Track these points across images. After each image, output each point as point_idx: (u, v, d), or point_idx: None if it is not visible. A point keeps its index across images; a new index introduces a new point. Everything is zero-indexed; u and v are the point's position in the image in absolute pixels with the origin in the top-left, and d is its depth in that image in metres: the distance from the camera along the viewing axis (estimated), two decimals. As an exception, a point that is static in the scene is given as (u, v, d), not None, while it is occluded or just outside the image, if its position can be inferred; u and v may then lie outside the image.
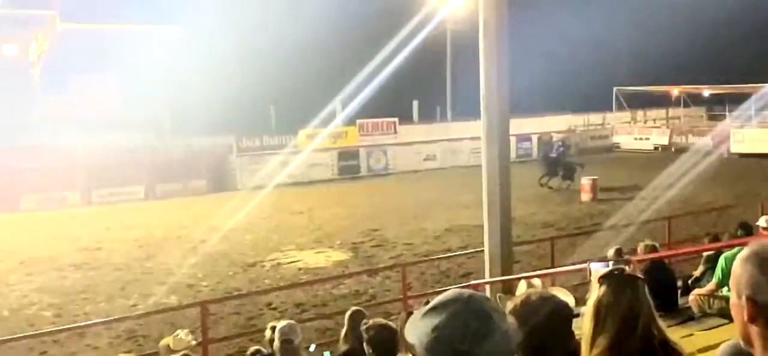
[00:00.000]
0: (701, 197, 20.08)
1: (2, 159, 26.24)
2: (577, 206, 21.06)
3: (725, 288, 6.89)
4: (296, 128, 31.66)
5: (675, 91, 44.57)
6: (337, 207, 23.12)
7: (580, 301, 2.74)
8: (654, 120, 44.41)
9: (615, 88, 43.66)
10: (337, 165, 32.21)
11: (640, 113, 44.26)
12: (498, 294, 6.18)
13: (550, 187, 24.10)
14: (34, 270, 15.66)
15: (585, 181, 22.37)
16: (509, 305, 2.58)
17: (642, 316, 2.25)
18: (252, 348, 6.70)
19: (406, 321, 1.65)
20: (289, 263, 15.58)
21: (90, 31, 27.59)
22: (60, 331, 10.46)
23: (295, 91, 35.24)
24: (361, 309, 7.06)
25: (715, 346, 2.25)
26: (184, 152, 30.20)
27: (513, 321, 1.64)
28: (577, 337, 2.49)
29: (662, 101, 45.30)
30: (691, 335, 6.95)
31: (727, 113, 39.46)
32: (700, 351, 5.36)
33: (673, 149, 34.99)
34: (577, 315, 2.62)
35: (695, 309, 7.97)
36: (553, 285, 5.63)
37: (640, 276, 2.40)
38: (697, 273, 9.18)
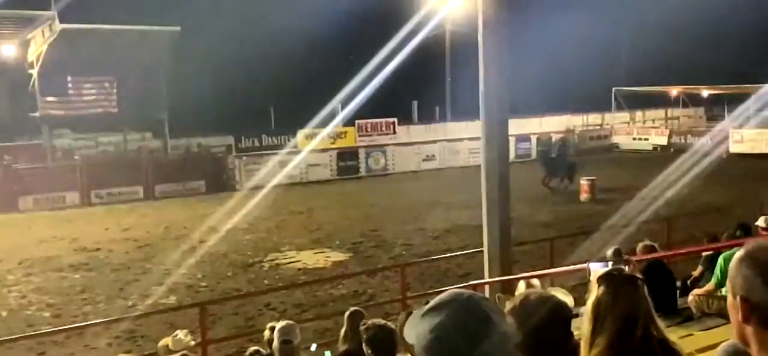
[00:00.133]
0: (700, 197, 20.08)
1: (1, 159, 26.25)
2: (576, 206, 21.08)
3: (724, 289, 6.89)
4: (295, 128, 31.67)
5: (674, 91, 44.59)
6: (336, 207, 23.12)
7: (579, 301, 2.74)
8: (653, 120, 44.43)
9: (614, 89, 43.70)
10: (336, 165, 32.23)
11: (639, 113, 44.30)
12: (497, 295, 6.18)
13: (551, 187, 24.12)
14: (32, 270, 15.66)
15: (584, 182, 22.40)
16: (508, 305, 2.58)
17: (641, 316, 2.25)
18: (251, 349, 6.69)
19: (405, 321, 1.65)
20: (288, 263, 15.58)
21: (89, 31, 27.54)
22: (59, 332, 10.44)
23: (294, 92, 35.28)
24: (361, 309, 7.05)
25: (714, 346, 2.25)
26: (183, 152, 30.22)
27: (512, 322, 1.64)
28: (576, 337, 2.49)
29: (661, 101, 45.33)
30: (690, 335, 6.96)
31: (725, 113, 39.48)
32: (699, 351, 5.36)
33: (672, 149, 35.01)
34: (576, 316, 2.62)
35: (694, 310, 7.98)
36: (552, 285, 5.63)
37: (639, 276, 2.40)
38: (696, 273, 9.19)
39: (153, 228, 20.46)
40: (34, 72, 27.76)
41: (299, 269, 15.06)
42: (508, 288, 7.43)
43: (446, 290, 1.69)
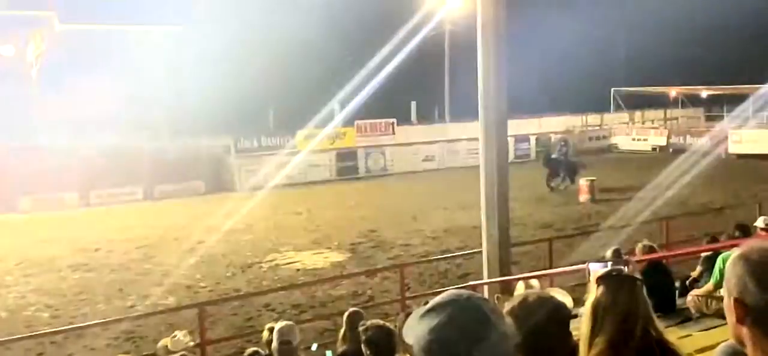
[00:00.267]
0: (699, 198, 20.10)
1: (0, 160, 26.21)
2: (575, 207, 21.07)
3: (723, 289, 6.90)
4: (294, 129, 31.66)
5: (673, 91, 44.61)
6: (335, 208, 23.11)
7: (579, 302, 2.74)
8: (652, 121, 44.42)
9: (613, 89, 43.71)
10: (335, 166, 32.21)
11: (637, 114, 44.29)
12: (496, 295, 6.17)
13: (552, 187, 24.12)
14: (31, 271, 15.64)
15: (583, 182, 22.42)
16: (507, 306, 2.58)
17: (640, 317, 2.25)
18: (250, 350, 6.69)
19: (404, 322, 1.64)
20: (287, 264, 15.58)
21: (88, 31, 27.56)
22: (57, 332, 10.44)
23: (293, 92, 35.26)
24: (359, 310, 7.06)
25: (713, 347, 2.25)
26: (183, 153, 30.16)
27: (511, 323, 1.64)
28: (575, 338, 2.49)
29: (660, 102, 45.33)
30: (689, 335, 6.97)
31: (724, 114, 39.50)
32: (698, 351, 5.37)
33: (671, 150, 35.00)
34: (575, 316, 2.62)
35: (693, 310, 7.99)
36: (551, 286, 5.63)
37: (638, 276, 2.40)
38: (695, 273, 9.19)
39: (152, 228, 20.44)
40: (34, 72, 27.75)
41: (298, 270, 15.05)
42: (507, 288, 7.42)
43: (445, 291, 1.69)
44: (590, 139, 39.81)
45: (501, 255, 8.79)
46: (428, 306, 1.61)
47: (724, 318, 1.71)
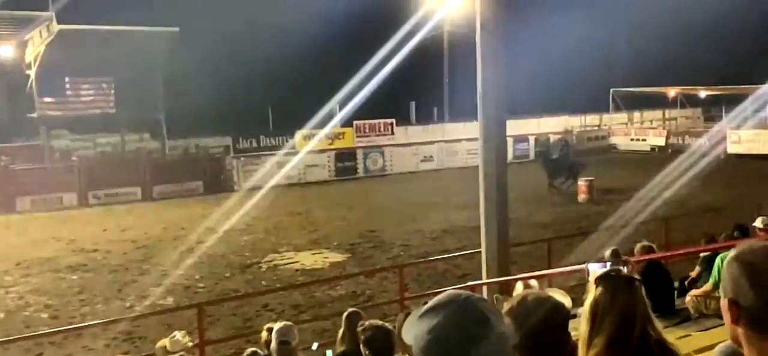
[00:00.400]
0: (698, 198, 20.10)
1: (-1, 160, 26.22)
2: (574, 207, 21.09)
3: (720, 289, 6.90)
4: (293, 129, 31.67)
5: (672, 92, 44.62)
6: (334, 208, 23.12)
7: (577, 302, 2.74)
8: (651, 121, 44.46)
9: (612, 90, 43.72)
10: (334, 166, 32.23)
11: (636, 114, 44.34)
12: (495, 296, 6.17)
13: (556, 187, 24.12)
14: (30, 271, 15.64)
15: (582, 182, 22.46)
16: (506, 306, 2.57)
17: (638, 317, 2.25)
18: (249, 350, 6.68)
19: (403, 322, 1.64)
20: (286, 264, 15.57)
21: (87, 32, 27.52)
22: (56, 333, 10.43)
23: (292, 92, 35.26)
24: (358, 310, 7.05)
25: (712, 347, 2.25)
26: (181, 153, 30.20)
27: (509, 323, 1.64)
28: (573, 338, 2.48)
29: (659, 102, 45.36)
30: (688, 336, 6.98)
31: (723, 114, 39.51)
32: (696, 351, 5.37)
33: (669, 150, 35.04)
34: (574, 316, 2.61)
35: (692, 310, 8.00)
36: (550, 286, 5.63)
37: (636, 277, 2.40)
38: (693, 274, 9.20)
39: (151, 229, 20.44)
40: (32, 73, 27.74)
41: (297, 270, 15.06)
42: (506, 289, 7.42)
43: (444, 291, 1.69)
44: (589, 139, 39.85)
45: (500, 256, 8.79)
46: (427, 306, 1.60)
47: (722, 318, 1.71)
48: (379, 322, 5.37)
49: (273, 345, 6.16)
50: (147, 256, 16.81)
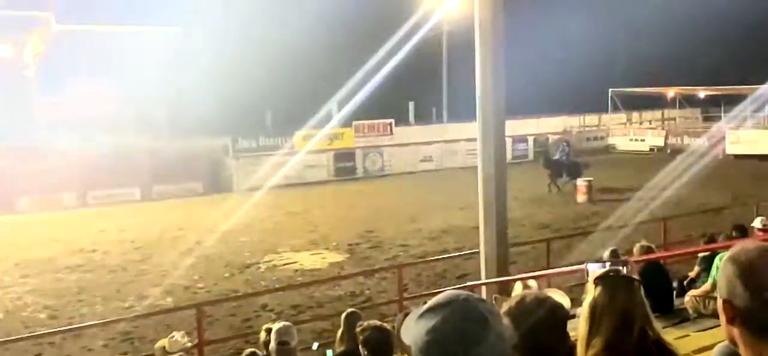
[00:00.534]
0: (697, 198, 20.10)
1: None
2: (573, 207, 21.09)
3: (720, 289, 6.90)
4: (292, 129, 31.65)
5: (670, 92, 44.63)
6: (333, 208, 23.11)
7: (576, 302, 2.74)
8: (649, 121, 44.46)
9: (610, 90, 43.73)
10: (333, 166, 32.22)
11: (635, 114, 44.34)
12: (494, 296, 6.17)
13: (559, 187, 24.11)
14: (29, 271, 15.62)
15: (581, 183, 22.45)
16: (505, 306, 2.57)
17: (637, 317, 2.25)
18: (248, 350, 6.69)
19: (402, 322, 1.64)
20: (285, 264, 15.57)
21: (86, 32, 27.53)
22: (55, 333, 10.44)
23: (291, 93, 35.22)
24: (357, 310, 7.06)
25: (711, 347, 2.26)
26: (181, 153, 30.11)
27: (508, 323, 1.64)
28: (572, 338, 2.49)
29: (658, 102, 45.37)
30: (687, 336, 6.98)
31: (722, 114, 39.53)
32: (695, 352, 5.38)
33: (668, 150, 35.04)
34: (573, 317, 2.62)
35: (691, 311, 8.01)
36: (549, 286, 5.63)
37: (635, 277, 2.40)
38: (692, 274, 9.21)
39: (150, 229, 20.42)
40: (32, 72, 27.72)
41: (296, 270, 15.05)
42: (505, 289, 7.43)
43: (443, 291, 1.69)
44: (588, 139, 39.84)
45: (499, 256, 8.80)
46: (426, 306, 1.60)
47: (721, 318, 1.72)
48: (378, 322, 5.37)
49: (272, 345, 6.16)
50: (146, 256, 16.80)
